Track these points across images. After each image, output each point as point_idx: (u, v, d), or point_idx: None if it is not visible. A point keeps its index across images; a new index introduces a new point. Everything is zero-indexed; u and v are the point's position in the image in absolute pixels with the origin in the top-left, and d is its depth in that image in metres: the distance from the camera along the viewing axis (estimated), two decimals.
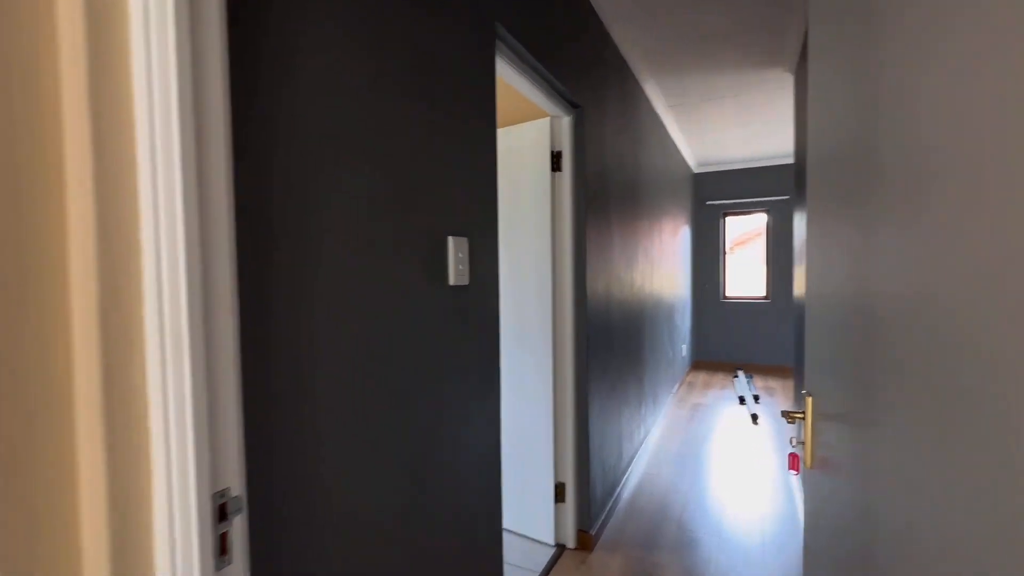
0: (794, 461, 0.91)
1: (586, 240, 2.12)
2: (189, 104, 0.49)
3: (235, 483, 0.55)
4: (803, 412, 0.91)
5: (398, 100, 0.97)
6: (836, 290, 0.75)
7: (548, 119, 2.06)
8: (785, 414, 0.91)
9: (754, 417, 3.93)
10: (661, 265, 3.92)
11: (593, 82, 2.23)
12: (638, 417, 3.15)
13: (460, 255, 1.15)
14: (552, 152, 2.07)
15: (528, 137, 2.13)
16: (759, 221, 6.06)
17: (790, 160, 5.50)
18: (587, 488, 2.17)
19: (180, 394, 0.48)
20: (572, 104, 2.03)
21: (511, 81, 1.66)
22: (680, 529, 2.31)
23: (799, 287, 2.88)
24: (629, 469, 2.86)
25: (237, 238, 0.67)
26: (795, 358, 3.08)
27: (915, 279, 0.43)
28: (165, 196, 0.48)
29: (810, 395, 0.90)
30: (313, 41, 0.78)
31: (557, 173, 2.08)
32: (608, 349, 2.48)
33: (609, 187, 2.49)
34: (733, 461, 3.14)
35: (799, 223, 2.91)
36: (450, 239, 1.13)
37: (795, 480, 2.74)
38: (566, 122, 2.04)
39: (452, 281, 1.13)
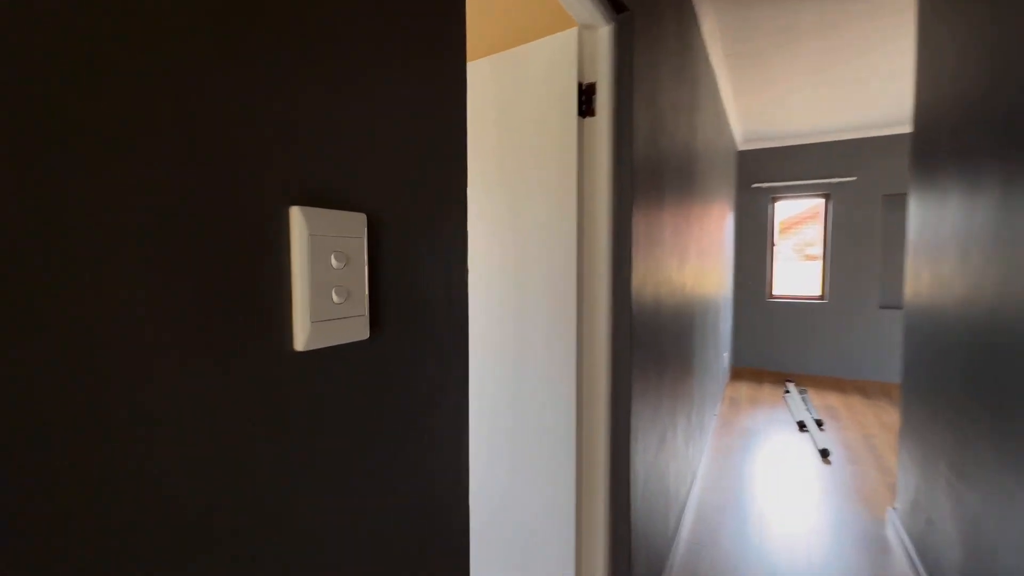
0: None
1: (632, 226, 1.35)
2: None
3: None
4: None
5: None
6: None
7: (575, 31, 1.28)
8: None
9: (824, 453, 3.13)
10: (710, 261, 3.12)
11: None
12: (686, 463, 2.39)
13: (336, 262, 0.40)
14: (580, 85, 1.30)
15: (539, 63, 1.35)
16: (808, 206, 5.17)
17: (862, 133, 4.57)
18: None
19: None
20: (617, 5, 1.25)
21: None
22: None
23: (915, 287, 2.07)
24: (675, 542, 2.10)
25: None
26: (903, 375, 2.27)
27: None
28: None
29: None
30: None
31: (588, 119, 1.30)
32: (658, 381, 1.72)
33: (663, 150, 1.70)
34: (811, 525, 2.36)
35: (917, 208, 2.08)
36: (296, 213, 0.37)
37: (906, 549, 1.96)
38: (604, 35, 1.26)
39: (303, 342, 0.38)
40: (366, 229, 0.43)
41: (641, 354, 1.48)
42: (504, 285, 1.47)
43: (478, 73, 1.50)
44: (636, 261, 1.39)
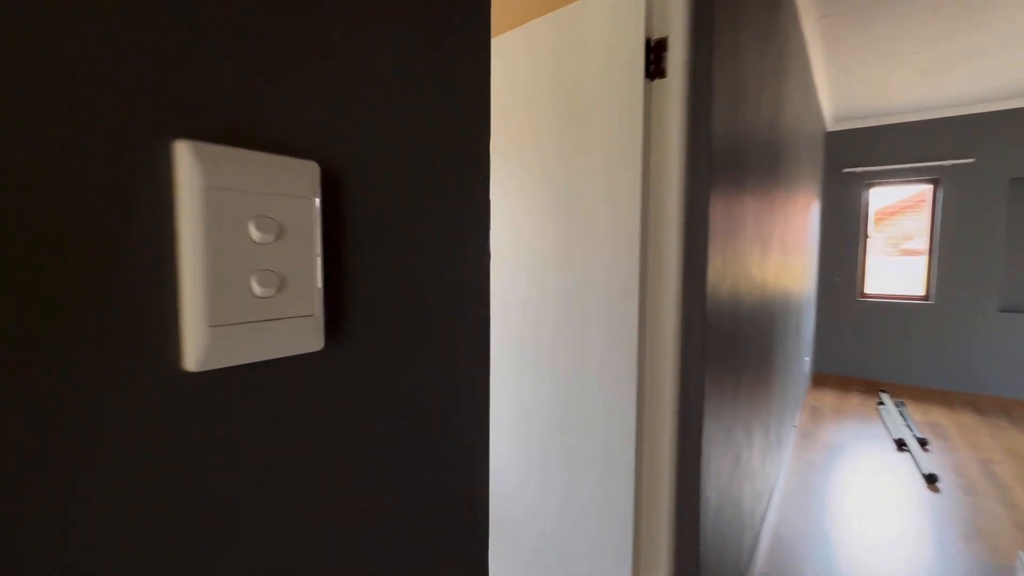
0: None
1: (709, 210, 1.13)
2: None
3: None
4: None
5: None
6: None
7: None
8: None
9: (930, 479, 2.69)
10: (793, 255, 2.76)
11: None
12: (763, 481, 2.11)
13: (260, 233, 0.26)
14: (649, 42, 1.09)
15: (595, 20, 1.16)
16: (909, 193, 4.51)
17: (983, 107, 3.91)
18: None
19: None
20: None
21: None
22: None
23: None
24: (749, 574, 1.85)
25: None
26: None
27: None
28: None
29: None
30: None
31: (658, 82, 1.10)
32: (734, 391, 1.48)
33: (745, 123, 1.45)
34: (916, 563, 2.00)
35: None
36: (183, 151, 0.23)
37: None
38: None
39: (196, 359, 0.24)
40: (319, 186, 0.29)
41: (715, 361, 1.26)
42: (549, 278, 1.30)
43: (526, 38, 1.33)
44: (712, 254, 1.17)
